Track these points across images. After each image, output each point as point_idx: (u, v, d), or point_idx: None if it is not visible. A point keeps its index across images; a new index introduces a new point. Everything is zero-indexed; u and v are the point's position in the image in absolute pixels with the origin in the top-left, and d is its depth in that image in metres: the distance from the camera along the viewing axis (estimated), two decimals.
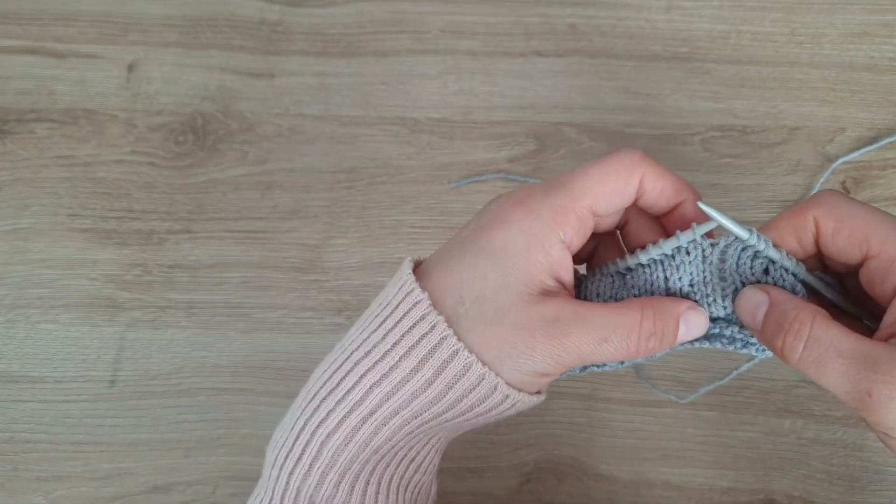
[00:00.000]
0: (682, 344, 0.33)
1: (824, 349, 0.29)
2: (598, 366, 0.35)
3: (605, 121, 0.55)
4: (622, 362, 0.35)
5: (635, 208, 0.35)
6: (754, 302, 0.32)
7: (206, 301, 0.52)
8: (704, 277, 0.33)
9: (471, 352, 0.31)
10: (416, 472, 0.35)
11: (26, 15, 0.58)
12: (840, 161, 0.53)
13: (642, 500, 0.48)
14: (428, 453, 0.36)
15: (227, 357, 0.51)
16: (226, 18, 0.58)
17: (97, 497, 0.49)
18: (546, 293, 0.32)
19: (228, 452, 0.50)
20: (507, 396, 0.32)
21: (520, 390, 0.33)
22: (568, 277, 0.33)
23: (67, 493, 0.49)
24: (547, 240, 0.32)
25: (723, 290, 0.33)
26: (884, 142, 0.53)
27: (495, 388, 0.32)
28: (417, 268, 0.34)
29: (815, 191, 0.52)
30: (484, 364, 0.32)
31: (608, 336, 0.31)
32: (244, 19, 0.58)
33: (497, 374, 0.32)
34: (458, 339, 0.31)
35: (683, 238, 0.32)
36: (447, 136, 0.55)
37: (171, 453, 0.50)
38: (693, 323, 0.33)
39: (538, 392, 0.35)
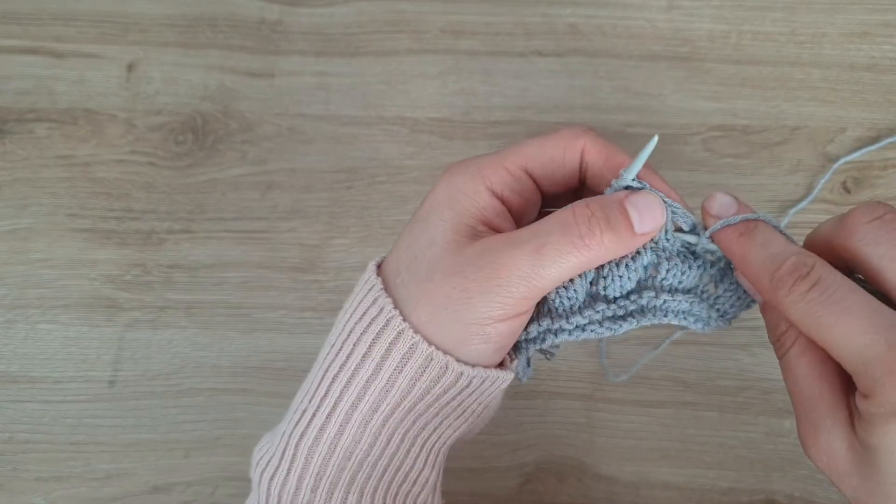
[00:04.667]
0: (668, 313, 0.31)
1: (789, 361, 0.30)
2: (554, 333, 0.32)
3: (605, 121, 0.55)
4: (582, 328, 0.32)
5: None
6: (753, 289, 0.31)
7: (205, 301, 0.52)
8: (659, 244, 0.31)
9: (416, 331, 0.30)
10: (403, 481, 0.34)
11: (26, 15, 0.58)
12: (842, 161, 0.52)
13: (642, 500, 0.48)
14: (414, 463, 0.34)
15: (227, 357, 0.51)
16: (225, 18, 0.58)
17: (97, 497, 0.49)
18: (477, 236, 0.30)
19: (228, 452, 0.50)
20: (461, 374, 0.31)
21: (474, 365, 0.31)
22: (506, 225, 0.31)
23: (67, 493, 0.49)
24: (470, 189, 0.31)
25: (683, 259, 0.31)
26: (885, 142, 0.53)
27: (446, 367, 0.30)
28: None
29: (816, 191, 0.52)
30: (430, 344, 0.30)
31: (543, 241, 0.29)
32: (244, 19, 0.58)
33: (445, 351, 0.30)
34: (404, 320, 0.30)
35: (616, 184, 0.31)
36: (447, 136, 0.55)
37: (171, 453, 0.50)
38: (643, 205, 0.30)
39: (502, 365, 0.33)
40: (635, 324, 0.32)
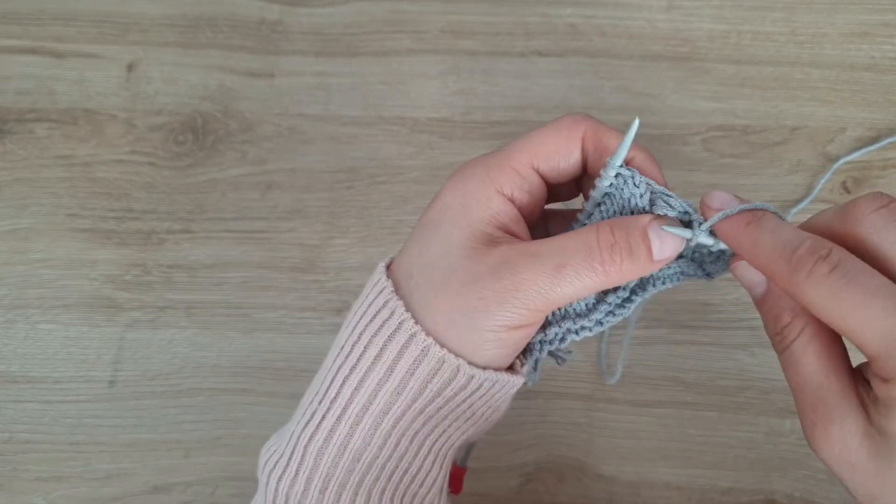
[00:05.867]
0: (665, 281, 0.32)
1: (794, 353, 0.29)
2: (576, 332, 0.33)
3: (605, 121, 0.54)
4: (600, 322, 0.33)
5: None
6: (751, 282, 0.31)
7: (205, 301, 0.52)
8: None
9: (428, 334, 0.30)
10: (411, 483, 0.34)
11: (26, 15, 0.58)
12: (842, 161, 0.52)
13: (642, 500, 0.48)
14: (422, 464, 0.34)
15: (227, 357, 0.51)
16: (225, 18, 0.58)
17: (97, 497, 0.49)
18: (494, 243, 0.31)
19: (228, 452, 0.50)
20: (472, 377, 0.31)
21: (485, 367, 0.31)
22: (519, 228, 0.32)
23: (67, 493, 0.49)
24: (482, 194, 0.31)
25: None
26: (885, 142, 0.53)
27: (458, 370, 0.30)
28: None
29: (816, 191, 0.52)
30: (442, 346, 0.30)
31: (564, 261, 0.29)
32: (244, 19, 0.58)
33: (458, 354, 0.30)
34: (416, 322, 0.30)
35: (605, 174, 0.31)
36: (447, 136, 0.55)
37: (170, 453, 0.50)
38: (665, 233, 0.30)
39: (512, 369, 0.33)
40: (639, 300, 0.33)
